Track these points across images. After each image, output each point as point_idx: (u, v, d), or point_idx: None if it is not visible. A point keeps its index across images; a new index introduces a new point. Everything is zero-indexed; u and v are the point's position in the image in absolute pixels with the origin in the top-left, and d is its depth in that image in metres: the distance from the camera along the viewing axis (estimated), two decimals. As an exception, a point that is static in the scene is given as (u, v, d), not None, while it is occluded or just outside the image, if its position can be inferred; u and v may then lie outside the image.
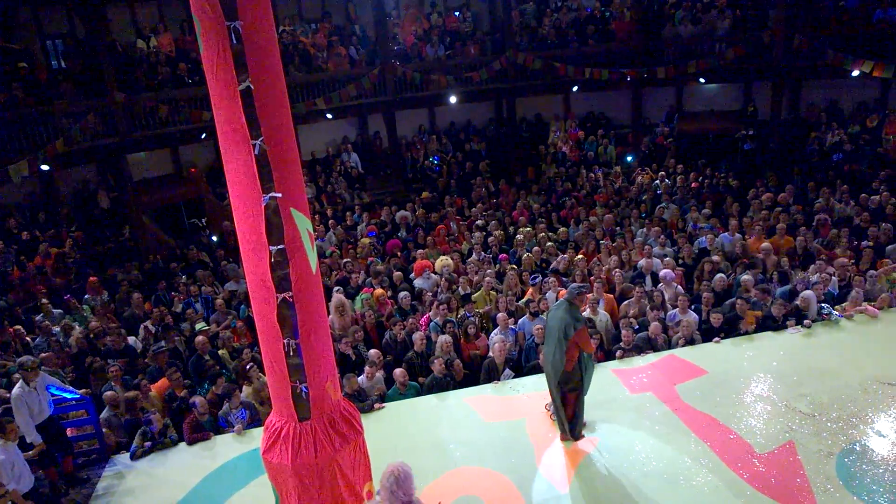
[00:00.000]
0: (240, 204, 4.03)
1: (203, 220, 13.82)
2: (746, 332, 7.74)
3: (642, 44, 15.44)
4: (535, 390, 6.98)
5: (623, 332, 7.63)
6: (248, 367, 7.15)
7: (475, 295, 8.90)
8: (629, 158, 15.67)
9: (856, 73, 12.80)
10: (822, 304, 7.97)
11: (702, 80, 15.59)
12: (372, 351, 7.57)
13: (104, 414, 6.82)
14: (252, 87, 3.79)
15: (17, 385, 5.95)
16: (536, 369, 7.32)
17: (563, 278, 9.09)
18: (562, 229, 11.60)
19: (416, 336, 7.66)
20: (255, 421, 6.79)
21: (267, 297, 4.08)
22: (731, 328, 7.80)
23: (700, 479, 5.50)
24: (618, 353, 7.51)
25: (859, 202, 10.96)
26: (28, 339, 8.51)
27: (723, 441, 5.95)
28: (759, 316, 7.87)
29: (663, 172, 14.11)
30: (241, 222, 4.07)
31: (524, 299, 8.65)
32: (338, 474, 4.17)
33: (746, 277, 8.38)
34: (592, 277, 9.08)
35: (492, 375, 7.25)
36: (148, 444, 6.47)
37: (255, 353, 7.59)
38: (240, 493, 5.83)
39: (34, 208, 12.95)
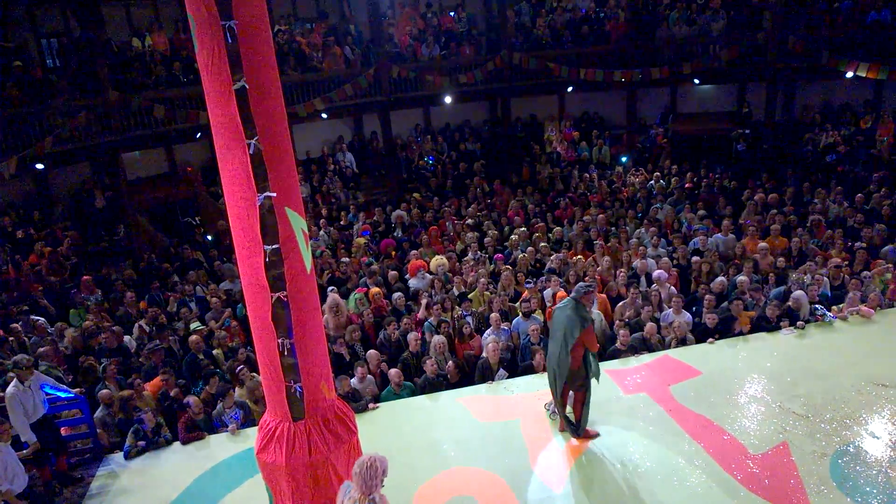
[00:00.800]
0: (234, 203, 4.03)
1: (197, 220, 13.78)
2: (741, 333, 7.77)
3: (637, 45, 15.49)
4: (528, 391, 6.99)
5: (621, 332, 7.63)
6: (238, 368, 7.13)
7: (471, 295, 8.91)
8: (624, 159, 15.71)
9: (850, 74, 12.87)
10: (816, 306, 8.01)
11: (696, 81, 15.66)
12: (370, 352, 7.56)
13: (98, 413, 6.80)
14: (247, 86, 3.79)
15: (12, 384, 5.92)
16: (530, 370, 7.33)
17: (559, 277, 9.11)
18: (556, 229, 11.61)
19: (411, 336, 7.66)
20: (249, 420, 6.77)
21: (261, 296, 4.08)
22: (725, 329, 7.83)
23: (694, 480, 5.52)
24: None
25: (853, 203, 11.02)
26: (25, 338, 8.47)
27: (717, 442, 5.96)
28: (753, 317, 7.90)
29: (658, 173, 14.16)
30: (236, 221, 4.07)
31: (521, 299, 8.65)
32: (332, 474, 4.17)
33: (742, 278, 8.41)
34: (587, 277, 9.09)
35: (486, 376, 7.25)
36: (142, 443, 6.45)
37: (250, 353, 7.57)
38: (234, 492, 5.82)
39: (29, 207, 12.89)
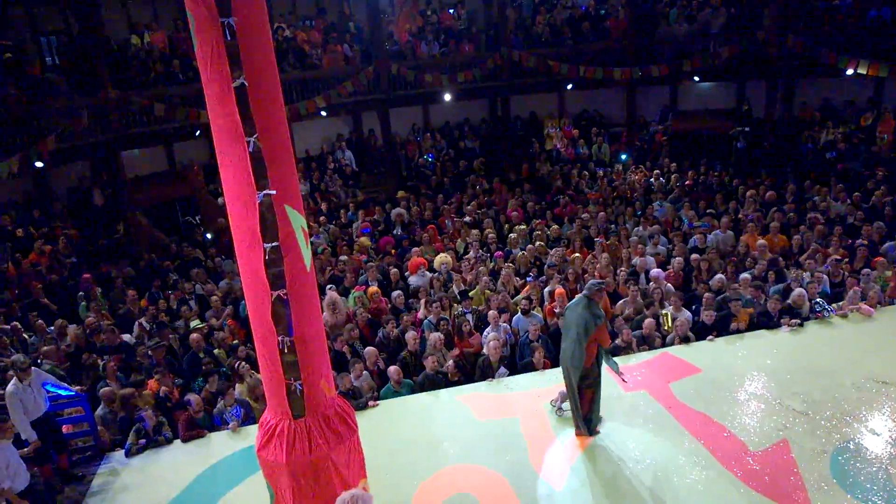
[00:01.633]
0: (234, 201, 4.02)
1: (197, 218, 13.77)
2: (739, 331, 7.77)
3: (637, 42, 15.46)
4: (528, 388, 7.00)
5: (624, 330, 7.64)
6: (236, 365, 7.13)
7: (472, 292, 8.91)
8: (623, 157, 15.69)
9: (850, 71, 12.85)
10: (817, 300, 8.01)
11: (696, 79, 15.64)
12: (368, 349, 7.56)
13: (99, 411, 6.80)
14: (246, 83, 3.78)
15: (11, 382, 5.92)
16: (530, 367, 7.33)
17: (559, 274, 9.11)
18: (554, 227, 11.59)
19: (409, 335, 7.65)
20: (249, 418, 6.78)
21: (261, 294, 4.08)
22: (723, 326, 7.84)
23: (694, 477, 5.52)
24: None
25: (853, 201, 11.02)
26: (25, 336, 8.47)
27: (717, 439, 5.97)
28: (752, 313, 7.91)
29: (657, 171, 14.15)
30: (236, 219, 4.06)
31: (518, 296, 8.67)
32: (332, 471, 4.17)
33: (745, 276, 8.42)
34: (586, 275, 9.10)
35: (486, 373, 7.25)
36: (142, 441, 6.46)
37: (250, 350, 7.57)
38: (234, 490, 5.82)
39: (28, 206, 12.88)
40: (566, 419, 6.40)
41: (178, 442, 6.56)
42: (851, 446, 5.75)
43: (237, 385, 7.10)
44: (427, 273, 9.72)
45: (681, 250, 9.86)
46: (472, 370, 7.44)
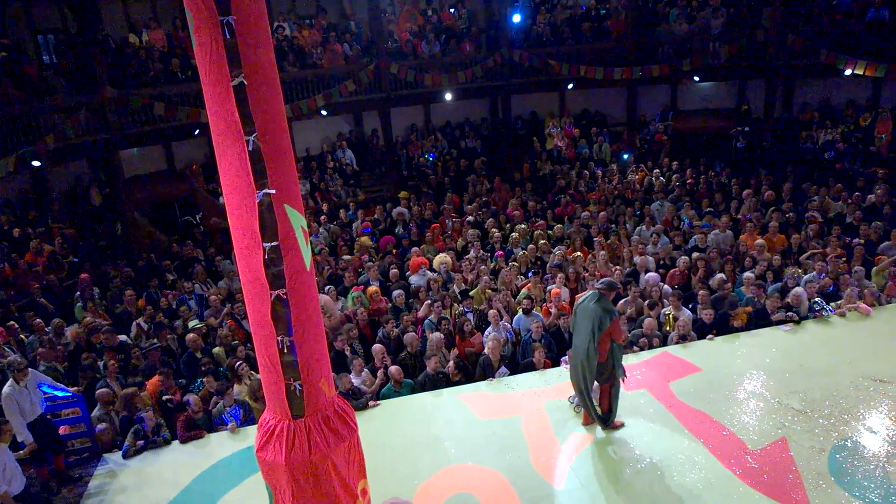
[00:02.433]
0: (233, 200, 4.00)
1: (196, 218, 13.74)
2: (738, 329, 7.77)
3: (637, 42, 15.46)
4: (529, 388, 6.99)
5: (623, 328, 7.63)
6: (236, 365, 7.11)
7: (472, 292, 8.90)
8: (626, 156, 15.67)
9: (848, 72, 12.86)
10: (815, 300, 8.01)
11: (696, 79, 15.64)
12: (376, 346, 7.54)
13: (95, 412, 6.77)
14: (245, 82, 3.75)
15: (8, 384, 5.89)
16: (531, 367, 7.33)
17: (560, 273, 9.10)
18: (557, 226, 11.60)
19: (408, 337, 7.62)
20: (249, 419, 6.76)
21: (261, 294, 4.06)
22: (722, 325, 7.84)
23: (694, 475, 5.52)
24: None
25: (852, 200, 11.03)
26: (22, 336, 8.44)
27: (716, 437, 5.97)
28: (750, 312, 7.92)
29: (657, 170, 14.15)
30: (235, 219, 4.04)
31: (520, 295, 8.66)
32: (332, 472, 4.15)
33: (748, 275, 8.42)
34: (587, 274, 9.09)
35: (487, 372, 7.24)
36: (141, 442, 6.44)
37: (249, 351, 7.56)
38: (233, 491, 5.81)
39: (25, 205, 12.84)
40: (569, 415, 6.39)
41: (176, 443, 6.54)
42: (849, 444, 5.75)
43: (236, 386, 7.08)
44: (428, 272, 9.72)
45: (665, 251, 9.88)
46: (474, 370, 7.43)
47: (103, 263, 11.50)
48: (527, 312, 8.02)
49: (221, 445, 6.44)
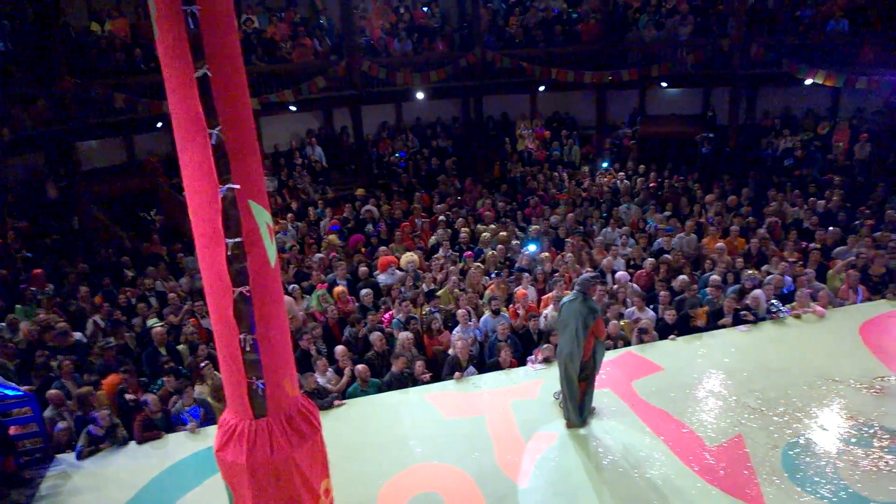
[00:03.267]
0: (195, 195, 3.91)
1: (153, 213, 13.39)
2: (699, 329, 7.95)
3: (608, 46, 15.68)
4: (495, 387, 7.02)
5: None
6: (202, 364, 6.96)
7: (439, 292, 8.89)
8: (605, 165, 15.69)
9: (809, 81, 13.28)
10: (772, 302, 8.25)
11: (664, 84, 15.95)
12: (338, 347, 7.47)
13: (48, 412, 6.54)
14: (210, 73, 3.68)
15: (-46, 382, 5.66)
16: (497, 366, 7.36)
17: (528, 274, 9.16)
18: (534, 227, 11.60)
19: (374, 336, 7.57)
20: (209, 419, 6.62)
21: (223, 291, 3.98)
22: (684, 325, 8.00)
23: (654, 472, 5.63)
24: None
25: (808, 206, 11.38)
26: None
27: (676, 435, 6.10)
28: (709, 312, 8.11)
29: (622, 174, 14.38)
30: (197, 214, 3.95)
31: (486, 296, 8.69)
32: (294, 472, 4.09)
33: (715, 277, 8.62)
34: (556, 275, 9.17)
35: (454, 371, 7.24)
36: (97, 442, 6.23)
37: (212, 350, 7.40)
38: (192, 492, 5.68)
39: (-23, 197, 12.35)
40: (535, 414, 6.46)
41: (133, 444, 6.35)
42: (802, 441, 5.94)
43: (198, 386, 6.92)
44: (397, 271, 9.67)
45: (637, 252, 10.05)
46: (441, 368, 7.42)
47: (58, 258, 11.13)
48: (495, 313, 8.05)
49: (180, 446, 6.29)
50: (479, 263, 9.70)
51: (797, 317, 8.13)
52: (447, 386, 7.12)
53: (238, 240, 3.92)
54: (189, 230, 4.11)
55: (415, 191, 14.04)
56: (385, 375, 7.21)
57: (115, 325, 8.16)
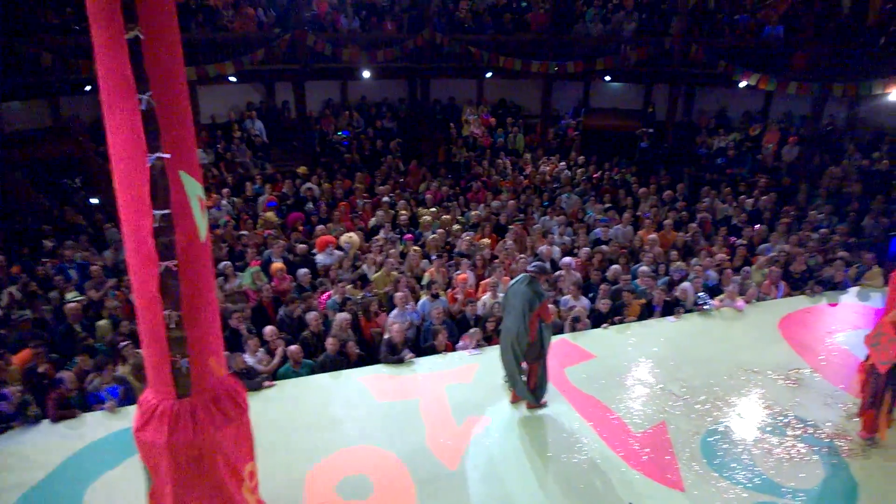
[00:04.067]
0: (121, 162, 3.69)
1: (78, 181, 12.63)
2: (631, 319, 8.23)
3: (555, 37, 15.84)
4: (430, 370, 7.05)
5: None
6: (122, 345, 6.62)
7: (375, 275, 8.81)
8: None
9: (743, 83, 13.88)
10: (700, 294, 8.63)
11: (607, 79, 16.29)
12: (267, 328, 7.28)
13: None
14: (141, 36, 3.47)
15: None
16: (432, 350, 7.38)
17: (467, 259, 9.21)
18: (475, 212, 11.66)
19: (311, 316, 7.43)
20: (128, 398, 6.32)
21: (148, 264, 3.78)
22: (617, 314, 8.27)
23: (581, 457, 5.80)
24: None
25: (737, 204, 11.95)
26: None
27: (604, 421, 6.30)
28: (644, 304, 8.40)
29: (563, 164, 14.65)
30: (122, 183, 3.73)
31: (424, 280, 8.68)
32: (217, 455, 3.97)
33: (644, 269, 8.90)
34: (496, 261, 9.25)
35: (391, 354, 7.21)
36: (8, 420, 5.85)
37: (134, 326, 7.06)
38: (107, 474, 5.41)
39: None
40: (468, 399, 6.52)
41: (46, 422, 6.00)
42: (721, 429, 6.25)
43: (120, 364, 6.60)
44: (336, 251, 9.51)
45: (584, 242, 10.27)
46: (377, 351, 7.38)
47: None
48: (434, 297, 8.05)
49: (97, 425, 5.99)
50: (417, 247, 9.66)
51: (718, 310, 8.52)
52: (381, 369, 7.08)
53: (166, 211, 3.75)
54: (114, 199, 3.88)
55: (357, 170, 13.82)
56: (319, 357, 7.10)
57: (30, 297, 7.66)
